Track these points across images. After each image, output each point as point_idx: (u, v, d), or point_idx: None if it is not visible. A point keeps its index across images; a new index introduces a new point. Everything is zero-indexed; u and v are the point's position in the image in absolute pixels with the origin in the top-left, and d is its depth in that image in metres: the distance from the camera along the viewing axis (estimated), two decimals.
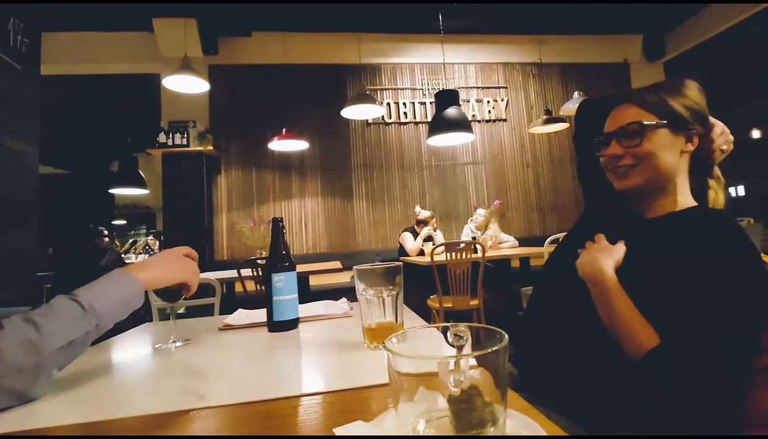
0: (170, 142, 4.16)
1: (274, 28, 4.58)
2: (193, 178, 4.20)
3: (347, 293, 4.15)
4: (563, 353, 0.75)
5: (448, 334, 0.39)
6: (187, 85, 3.36)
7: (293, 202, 4.58)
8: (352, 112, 3.62)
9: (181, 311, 2.89)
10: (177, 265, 0.76)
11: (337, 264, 3.27)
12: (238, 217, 4.37)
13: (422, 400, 0.33)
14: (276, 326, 0.90)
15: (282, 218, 0.98)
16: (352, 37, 4.68)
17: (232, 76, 4.58)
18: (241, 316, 1.06)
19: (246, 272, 2.79)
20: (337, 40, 4.73)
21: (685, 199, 0.75)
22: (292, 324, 0.91)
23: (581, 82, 5.05)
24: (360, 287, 0.71)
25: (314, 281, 3.96)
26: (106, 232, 4.24)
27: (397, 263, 0.71)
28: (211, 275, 2.71)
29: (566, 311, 0.77)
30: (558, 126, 3.99)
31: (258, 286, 2.80)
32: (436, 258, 2.86)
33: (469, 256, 2.89)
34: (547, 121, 3.89)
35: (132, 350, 0.85)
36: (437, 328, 0.41)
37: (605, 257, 0.70)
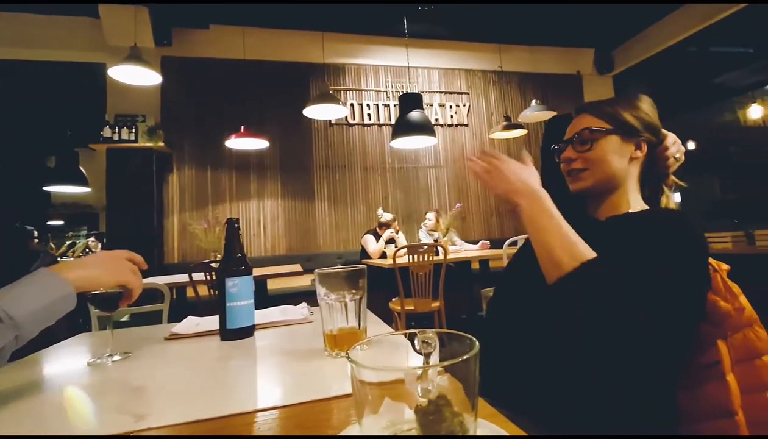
0: (116, 137, 3.88)
1: (234, 22, 4.42)
2: (141, 175, 3.93)
3: (308, 297, 4.04)
4: (522, 356, 0.74)
5: (416, 341, 0.36)
6: (136, 76, 3.13)
7: (251, 203, 4.43)
8: (315, 111, 3.55)
9: (125, 318, 2.68)
10: (115, 266, 0.68)
11: (296, 267, 3.18)
12: (191, 219, 4.16)
13: (388, 412, 0.31)
14: (229, 334, 0.83)
15: (238, 219, 0.92)
16: (316, 36, 4.60)
17: (187, 70, 4.37)
18: (191, 324, 0.98)
19: (198, 275, 2.65)
20: (300, 38, 4.64)
21: (635, 203, 0.79)
22: (247, 332, 0.85)
23: (538, 90, 5.24)
24: (321, 291, 0.67)
25: (272, 285, 3.85)
26: (36, 233, 3.90)
27: (361, 266, 0.68)
28: (160, 280, 2.55)
29: (525, 312, 0.77)
30: (517, 132, 4.10)
31: (211, 291, 2.67)
32: (399, 260, 2.85)
33: (431, 258, 2.89)
34: (506, 128, 3.99)
35: (61, 366, 0.75)
36: (404, 335, 0.38)
37: (531, 171, 0.72)
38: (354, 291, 0.66)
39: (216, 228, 3.72)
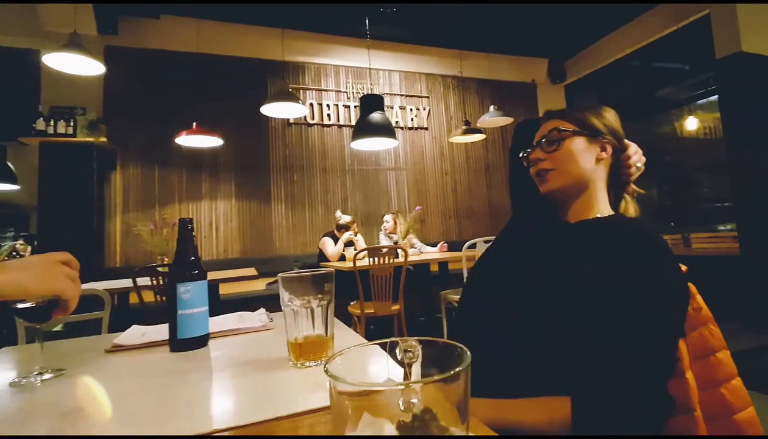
0: (51, 131, 3.55)
1: (187, 14, 4.20)
2: (79, 173, 3.61)
3: (264, 301, 3.92)
4: (493, 360, 0.73)
5: (397, 350, 0.34)
6: (75, 65, 2.87)
7: (203, 203, 4.22)
8: (273, 109, 3.43)
9: (57, 328, 2.43)
10: (47, 271, 0.58)
11: (251, 270, 3.06)
12: (136, 220, 3.89)
13: (366, 428, 0.28)
14: (180, 344, 0.76)
15: (191, 219, 0.84)
16: (275, 33, 4.47)
17: (134, 61, 4.10)
18: (136, 334, 0.89)
19: (144, 280, 2.48)
20: (258, 34, 4.49)
21: (603, 206, 0.80)
22: (201, 341, 0.78)
23: (496, 97, 5.38)
24: (285, 296, 0.62)
25: (225, 290, 3.68)
26: None
27: (328, 269, 0.64)
28: (100, 285, 2.36)
29: (493, 316, 0.76)
30: (476, 137, 4.18)
31: (158, 296, 2.50)
32: (359, 263, 2.81)
33: (391, 261, 2.88)
34: (466, 132, 4.06)
35: None
36: (384, 344, 0.34)
37: None
38: (320, 296, 0.62)
39: (164, 230, 3.51)
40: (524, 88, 5.67)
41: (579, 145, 0.79)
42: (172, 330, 0.76)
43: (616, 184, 0.84)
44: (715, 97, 4.11)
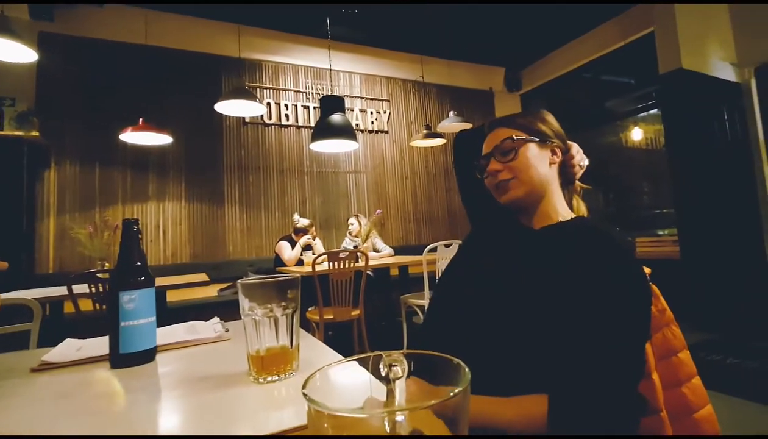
0: None
1: (134, 3, 3.94)
2: (6, 169, 3.27)
3: (215, 309, 3.75)
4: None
5: (381, 365, 0.30)
6: (1, 50, 2.60)
7: (149, 205, 3.96)
8: (228, 107, 3.29)
9: None
10: None
11: (202, 276, 2.90)
12: (72, 222, 3.58)
13: None
14: (123, 359, 0.68)
15: (137, 220, 0.76)
16: (231, 28, 4.30)
17: (72, 50, 3.78)
18: (70, 348, 0.79)
19: (81, 288, 2.28)
20: (212, 28, 4.30)
21: (563, 210, 0.81)
22: (147, 356, 0.70)
23: (455, 103, 5.47)
24: (245, 305, 0.56)
25: (173, 297, 3.47)
26: None
27: (294, 274, 0.59)
28: (29, 293, 2.13)
29: (463, 320, 0.76)
30: (437, 141, 4.22)
31: (98, 305, 2.30)
32: (318, 268, 2.74)
33: (352, 265, 2.83)
34: (427, 136, 4.09)
35: None
36: (367, 359, 0.31)
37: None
38: (285, 304, 0.57)
39: (104, 233, 3.25)
40: (482, 95, 5.80)
41: (533, 151, 0.80)
42: (114, 344, 0.68)
43: (565, 184, 0.86)
44: (656, 110, 4.42)
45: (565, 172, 0.84)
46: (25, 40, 2.53)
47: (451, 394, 0.24)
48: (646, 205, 4.67)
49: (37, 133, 3.38)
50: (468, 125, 4.20)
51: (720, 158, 3.50)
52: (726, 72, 3.71)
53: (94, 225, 3.35)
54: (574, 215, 0.81)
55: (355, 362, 0.31)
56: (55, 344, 0.82)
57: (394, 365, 0.30)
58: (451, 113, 4.23)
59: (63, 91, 3.71)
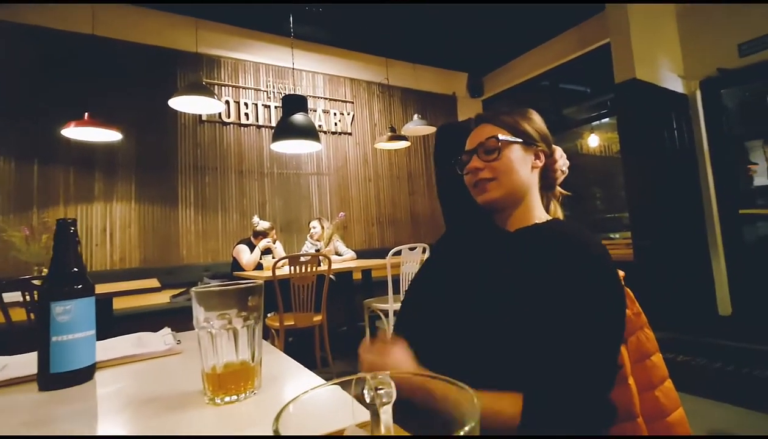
0: None
1: None
2: None
3: (167, 317, 3.55)
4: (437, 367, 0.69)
5: (365, 389, 0.26)
6: None
7: (95, 206, 3.68)
8: (184, 103, 3.12)
9: None
10: None
11: (153, 282, 2.72)
12: (6, 223, 3.26)
13: None
14: (54, 380, 0.59)
15: (74, 221, 0.67)
16: (188, 21, 4.10)
17: (10, 37, 3.47)
18: None
19: (14, 296, 2.07)
20: (167, 21, 4.08)
21: (540, 212, 0.80)
22: (84, 375, 0.62)
23: (419, 106, 5.50)
24: (200, 316, 0.50)
25: (120, 304, 3.24)
26: None
27: (256, 281, 0.53)
28: None
29: (440, 324, 0.74)
30: (401, 144, 4.22)
31: (32, 316, 2.10)
32: (279, 272, 2.65)
33: (314, 269, 2.75)
34: (391, 138, 4.08)
35: None
36: (348, 382, 0.27)
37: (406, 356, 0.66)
38: (245, 314, 0.51)
39: (43, 236, 2.99)
40: (445, 99, 5.86)
41: (517, 153, 0.78)
42: (43, 362, 0.59)
43: (543, 188, 0.85)
44: (608, 119, 4.64)
45: (547, 176, 0.83)
46: None
47: (462, 433, 0.19)
48: (599, 209, 4.90)
49: None
50: (432, 129, 4.22)
51: (670, 165, 3.71)
52: (675, 83, 3.95)
53: (31, 227, 3.08)
54: (549, 218, 0.80)
55: (335, 387, 0.27)
56: None
57: (381, 389, 0.26)
58: (415, 116, 4.22)
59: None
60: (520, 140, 0.78)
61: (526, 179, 0.78)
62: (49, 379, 0.59)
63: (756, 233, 3.77)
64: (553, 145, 0.84)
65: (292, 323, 2.71)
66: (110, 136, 3.16)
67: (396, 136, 4.08)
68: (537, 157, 0.80)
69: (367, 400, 0.26)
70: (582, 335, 0.59)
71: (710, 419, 1.97)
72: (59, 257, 0.64)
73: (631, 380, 0.68)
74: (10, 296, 2.09)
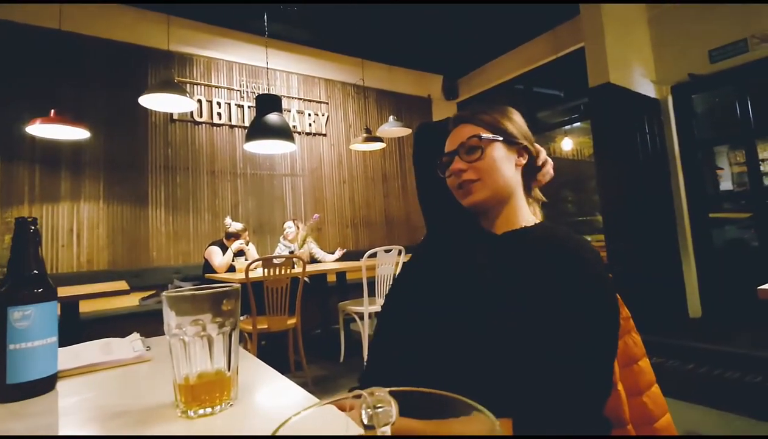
0: None
1: None
2: None
3: (137, 320, 3.43)
4: (422, 380, 0.68)
5: (363, 409, 0.24)
6: None
7: (61, 206, 3.53)
8: (154, 101, 3.03)
9: None
10: None
11: (122, 284, 2.62)
12: None
13: None
14: (12, 392, 0.56)
15: (34, 219, 0.63)
16: (159, 18, 3.99)
17: None
18: None
19: None
20: (138, 17, 3.96)
21: (527, 215, 0.78)
22: (45, 385, 0.58)
23: (394, 108, 5.51)
24: (172, 322, 0.48)
25: (87, 307, 3.11)
26: None
27: (233, 285, 0.51)
28: None
29: (423, 334, 0.70)
30: (376, 145, 4.21)
31: None
32: (252, 274, 2.59)
33: (288, 271, 2.71)
34: (367, 140, 4.07)
35: None
36: (343, 400, 0.25)
37: None
38: (221, 320, 0.49)
39: (5, 236, 2.85)
40: (421, 101, 5.90)
41: (500, 152, 0.75)
42: (0, 372, 0.56)
43: (526, 191, 0.82)
44: (580, 123, 4.75)
45: (530, 177, 0.81)
46: None
47: None
48: (570, 212, 5.03)
49: None
50: (408, 131, 4.24)
51: (642, 168, 3.77)
52: (647, 88, 4.02)
53: None
54: (537, 221, 0.77)
55: (329, 407, 0.25)
56: None
57: (380, 407, 0.24)
58: (390, 118, 4.23)
59: None
60: (502, 139, 0.76)
61: (510, 178, 0.76)
62: (6, 390, 0.56)
63: (724, 237, 3.88)
64: (536, 145, 0.81)
65: (266, 326, 2.67)
66: (77, 133, 3.04)
67: (371, 138, 4.08)
68: (520, 154, 0.78)
69: (365, 421, 0.24)
70: (579, 346, 0.57)
71: (685, 420, 1.99)
72: (18, 258, 0.61)
73: (620, 386, 0.67)
74: None
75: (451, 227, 0.84)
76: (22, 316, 0.57)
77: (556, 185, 5.05)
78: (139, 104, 3.03)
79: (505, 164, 0.75)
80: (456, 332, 0.66)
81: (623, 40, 3.90)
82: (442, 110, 5.95)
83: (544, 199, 0.85)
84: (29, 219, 0.62)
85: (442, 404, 0.24)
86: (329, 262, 3.81)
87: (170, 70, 4.02)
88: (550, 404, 0.55)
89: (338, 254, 3.83)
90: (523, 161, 0.78)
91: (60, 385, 0.61)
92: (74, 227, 3.56)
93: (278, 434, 0.20)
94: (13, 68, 3.44)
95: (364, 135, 4.08)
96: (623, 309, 0.73)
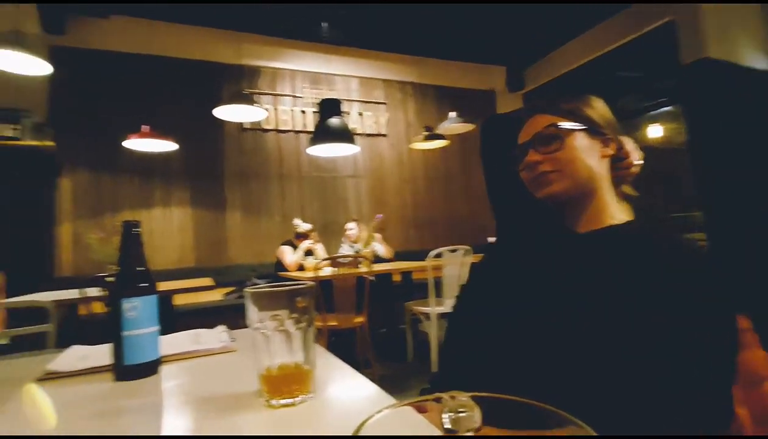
0: None
1: (137, 14, 3.97)
2: (27, 178, 3.36)
3: (221, 313, 3.71)
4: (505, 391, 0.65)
5: (444, 414, 0.23)
6: (17, 64, 2.65)
7: (156, 211, 3.97)
8: (229, 112, 3.28)
9: (2, 341, 2.25)
10: None
11: (208, 281, 2.88)
12: (85, 227, 3.60)
13: None
14: (126, 372, 0.65)
15: (137, 222, 0.72)
16: (230, 36, 4.31)
17: (81, 62, 3.81)
18: (75, 356, 0.76)
19: (94, 291, 2.28)
20: (212, 36, 4.31)
21: (615, 212, 0.70)
22: (151, 368, 0.67)
23: (454, 104, 5.32)
24: (254, 316, 0.53)
25: (179, 301, 3.45)
26: None
27: (308, 283, 0.56)
28: (47, 296, 2.15)
29: (493, 345, 0.67)
30: (438, 143, 4.15)
31: (109, 309, 2.30)
32: (321, 273, 2.71)
33: (355, 270, 2.80)
34: (427, 138, 4.04)
35: None
36: (422, 402, 0.24)
37: None
38: (297, 315, 0.54)
39: (115, 238, 3.24)
40: (483, 95, 5.69)
41: (582, 141, 0.69)
42: (117, 355, 0.66)
43: (614, 185, 0.74)
44: (669, 107, 4.17)
45: (616, 170, 0.73)
46: (39, 54, 2.63)
47: None
48: (661, 208, 4.50)
49: (52, 143, 3.44)
50: (470, 127, 4.14)
51: (753, 156, 3.17)
52: (757, 61, 3.40)
53: (105, 230, 3.35)
54: (627, 219, 0.70)
55: (407, 408, 0.24)
56: (69, 346, 0.82)
57: (462, 411, 0.23)
58: (452, 115, 4.13)
59: (73, 102, 3.76)
60: (584, 127, 0.69)
61: (594, 170, 0.69)
62: (122, 370, 0.65)
63: None
64: (622, 137, 0.74)
65: (335, 323, 2.77)
66: (166, 146, 3.40)
67: (432, 136, 4.04)
68: (605, 144, 0.71)
69: (447, 425, 0.22)
70: (689, 367, 0.50)
71: None
72: (126, 255, 0.70)
73: (742, 411, 0.57)
74: (92, 291, 2.30)
75: (526, 226, 0.80)
76: (131, 307, 0.66)
77: (644, 178, 4.57)
78: (215, 116, 3.31)
79: (589, 155, 0.69)
80: (536, 337, 0.62)
81: (722, 8, 3.36)
82: (507, 103, 5.66)
83: (634, 193, 0.78)
84: (132, 222, 0.72)
85: (530, 415, 0.22)
86: (382, 254, 3.80)
87: (241, 83, 4.33)
88: (659, 430, 0.49)
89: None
90: (610, 152, 0.71)
91: (162, 368, 0.70)
92: (167, 230, 3.99)
93: (360, 433, 0.21)
94: (113, 92, 3.92)
95: (425, 133, 4.06)
96: (740, 320, 0.65)
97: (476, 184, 5.29)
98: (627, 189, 0.76)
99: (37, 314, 1.76)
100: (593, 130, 0.70)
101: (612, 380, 0.54)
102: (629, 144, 0.75)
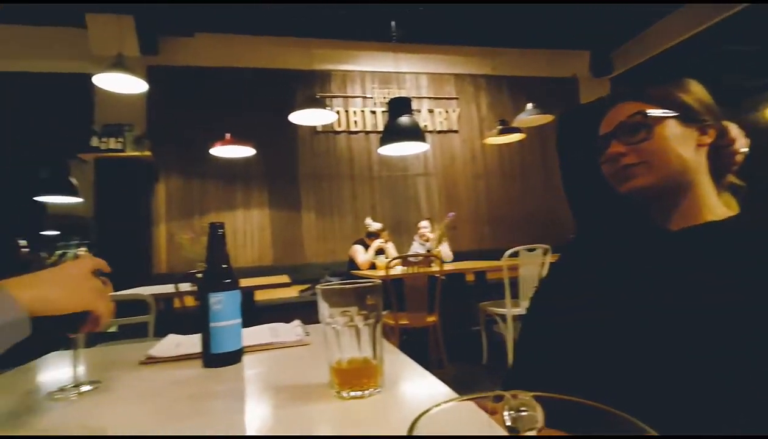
0: (104, 147, 3.79)
1: (219, 30, 4.33)
2: (129, 185, 3.86)
3: (297, 308, 3.90)
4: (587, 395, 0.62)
5: (505, 412, 0.23)
6: (121, 84, 3.11)
7: (238, 213, 4.30)
8: (302, 117, 3.44)
9: (112, 329, 2.62)
10: (78, 286, 0.54)
11: (284, 278, 3.05)
12: (177, 229, 4.02)
13: None
14: (213, 359, 0.71)
15: (222, 224, 0.79)
16: (301, 42, 4.52)
17: (172, 78, 4.26)
18: (171, 344, 0.85)
19: (186, 286, 2.54)
20: (285, 45, 4.55)
21: (714, 204, 0.63)
22: (234, 357, 0.73)
23: (531, 95, 4.97)
24: (326, 312, 0.55)
25: (258, 296, 3.70)
26: (23, 242, 3.74)
27: (375, 281, 0.56)
28: (147, 290, 2.45)
29: (574, 349, 0.62)
30: (514, 136, 3.97)
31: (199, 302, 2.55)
32: (391, 272, 2.74)
33: (427, 269, 2.79)
34: (502, 132, 3.89)
35: (13, 400, 0.60)
36: (484, 399, 0.24)
37: None
38: (365, 312, 0.55)
39: (202, 238, 3.58)
40: (563, 83, 5.28)
41: (674, 130, 0.62)
42: (205, 344, 0.72)
43: (715, 176, 0.66)
44: None
45: (718, 159, 0.65)
46: (138, 73, 3.04)
47: None
48: None
49: (149, 153, 3.91)
50: (549, 118, 3.91)
51: None
52: None
53: (194, 231, 3.70)
54: (731, 213, 0.63)
55: (469, 404, 0.24)
56: (167, 334, 0.93)
57: (523, 410, 0.23)
58: (529, 105, 3.92)
59: (166, 115, 4.20)
60: (675, 113, 0.63)
61: (688, 161, 0.62)
62: (210, 358, 0.71)
63: None
64: (726, 122, 0.66)
65: (406, 322, 2.79)
66: (246, 151, 3.66)
67: (507, 129, 3.88)
68: (703, 132, 0.63)
69: (508, 422, 0.22)
70: None
71: None
72: (211, 254, 0.77)
73: None
74: (184, 286, 2.57)
75: (609, 223, 0.74)
76: (217, 301, 0.72)
77: (755, 168, 4.00)
78: (289, 121, 3.49)
79: (681, 144, 0.62)
80: (618, 342, 0.57)
81: None
82: (593, 90, 5.19)
83: (741, 183, 0.69)
84: (218, 224, 0.78)
85: (597, 419, 0.21)
86: (446, 257, 3.71)
87: (313, 88, 4.52)
88: None
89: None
90: (708, 140, 0.64)
91: (244, 358, 0.75)
92: (248, 230, 4.29)
93: (419, 423, 0.21)
94: (197, 103, 4.31)
95: (499, 127, 3.92)
96: None
97: (557, 179, 4.95)
98: (732, 179, 0.68)
99: (138, 306, 2.05)
100: (688, 116, 0.63)
101: (702, 392, 0.49)
102: (734, 129, 0.66)
